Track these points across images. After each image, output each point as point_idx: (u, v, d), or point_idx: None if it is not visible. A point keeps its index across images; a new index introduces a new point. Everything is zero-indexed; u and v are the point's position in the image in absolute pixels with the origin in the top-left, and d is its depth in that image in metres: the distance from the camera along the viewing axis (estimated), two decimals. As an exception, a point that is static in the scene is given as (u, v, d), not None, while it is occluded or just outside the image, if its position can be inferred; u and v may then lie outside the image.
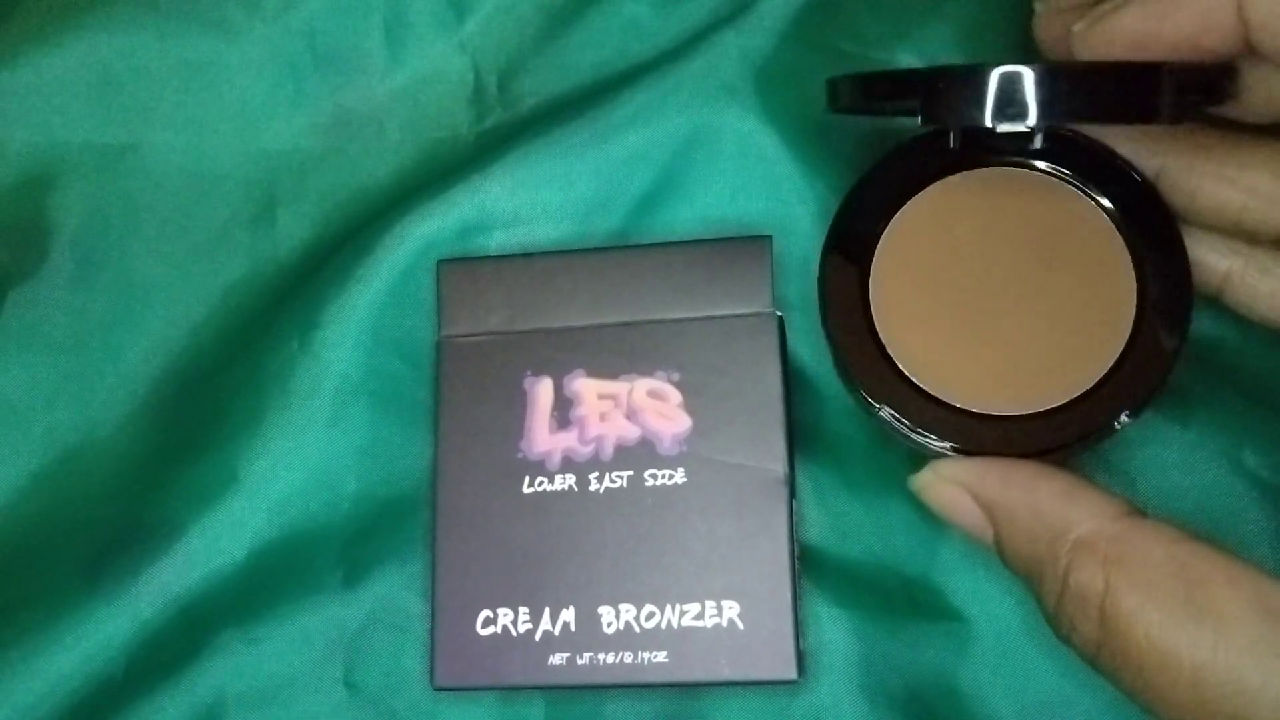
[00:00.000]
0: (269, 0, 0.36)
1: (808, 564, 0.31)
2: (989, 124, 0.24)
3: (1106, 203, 0.27)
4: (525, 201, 0.34)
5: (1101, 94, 0.24)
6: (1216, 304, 0.28)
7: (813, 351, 0.32)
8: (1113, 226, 0.27)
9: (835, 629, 0.31)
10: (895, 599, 0.31)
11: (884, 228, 0.28)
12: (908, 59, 0.34)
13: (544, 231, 0.34)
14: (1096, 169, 0.27)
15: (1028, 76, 0.23)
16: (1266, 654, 0.21)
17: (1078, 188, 0.27)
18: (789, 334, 0.31)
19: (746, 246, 0.31)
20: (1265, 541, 0.30)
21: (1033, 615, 0.30)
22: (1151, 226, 0.27)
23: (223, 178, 0.36)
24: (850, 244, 0.28)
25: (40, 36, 0.36)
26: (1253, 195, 0.26)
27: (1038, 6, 0.28)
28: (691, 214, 0.34)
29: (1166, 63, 0.24)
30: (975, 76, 0.24)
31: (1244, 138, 0.27)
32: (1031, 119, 0.23)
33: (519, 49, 0.36)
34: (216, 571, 0.32)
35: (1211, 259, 0.28)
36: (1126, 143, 0.28)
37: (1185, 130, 0.27)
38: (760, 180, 0.33)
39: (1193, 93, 0.24)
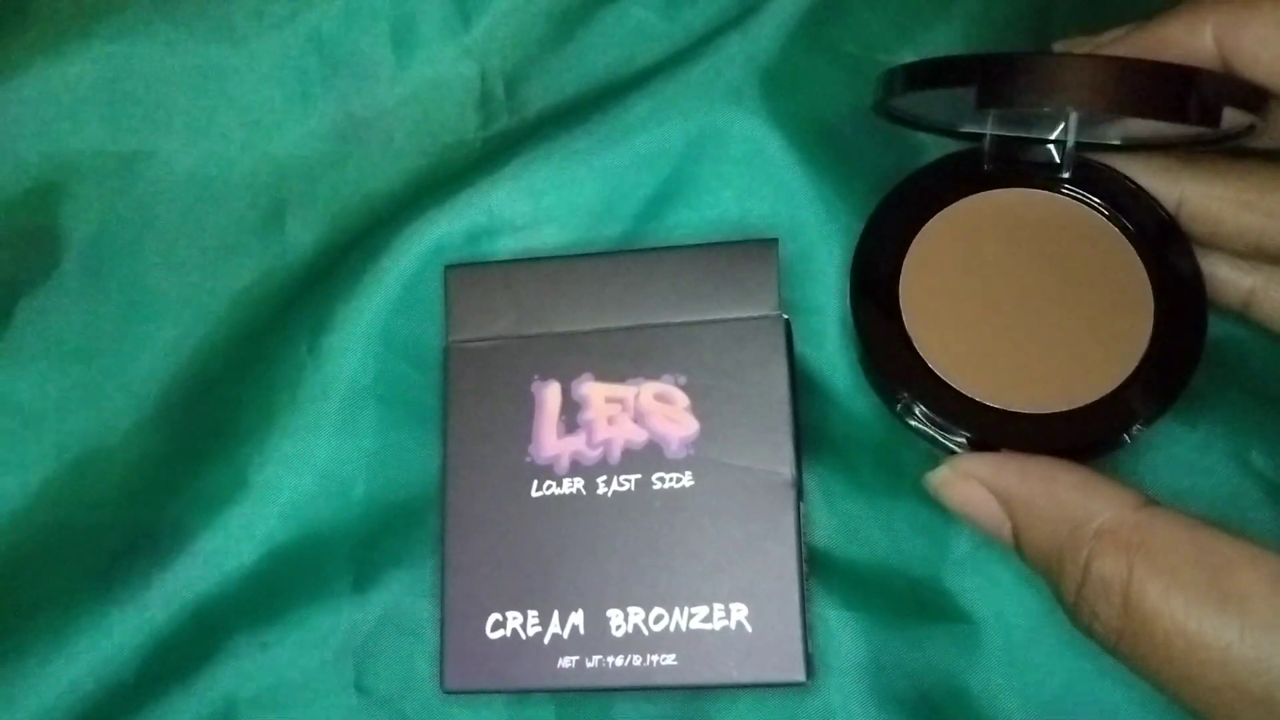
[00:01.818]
0: (277, 7, 0.36)
1: (816, 566, 0.31)
2: (1038, 107, 0.25)
3: (1128, 227, 0.28)
4: (532, 206, 0.34)
5: (1133, 86, 0.24)
6: (1242, 318, 0.29)
7: (820, 354, 0.32)
8: (1133, 249, 0.28)
9: (844, 631, 0.31)
10: (903, 601, 0.31)
11: (915, 233, 0.29)
12: (913, 58, 0.34)
13: (551, 236, 0.34)
14: (1119, 196, 0.28)
15: (1068, 64, 0.25)
16: None
17: (1101, 212, 0.29)
18: (796, 337, 0.31)
19: (753, 249, 0.31)
20: (1273, 541, 0.30)
21: (1041, 616, 0.30)
22: (1169, 252, 0.28)
23: (232, 184, 0.36)
24: (883, 243, 0.29)
25: (51, 45, 0.36)
26: (1272, 218, 0.27)
27: (1056, 48, 0.29)
28: (698, 218, 0.34)
29: (1201, 68, 0.25)
30: (1027, 62, 0.25)
31: (1261, 164, 0.28)
32: (1069, 105, 0.25)
33: (526, 54, 0.36)
34: (227, 576, 0.32)
35: (1234, 276, 0.28)
36: (1147, 173, 0.29)
37: (1205, 159, 0.28)
38: (767, 183, 0.34)
39: (1226, 101, 0.25)
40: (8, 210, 0.36)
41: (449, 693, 0.29)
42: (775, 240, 0.31)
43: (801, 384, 0.31)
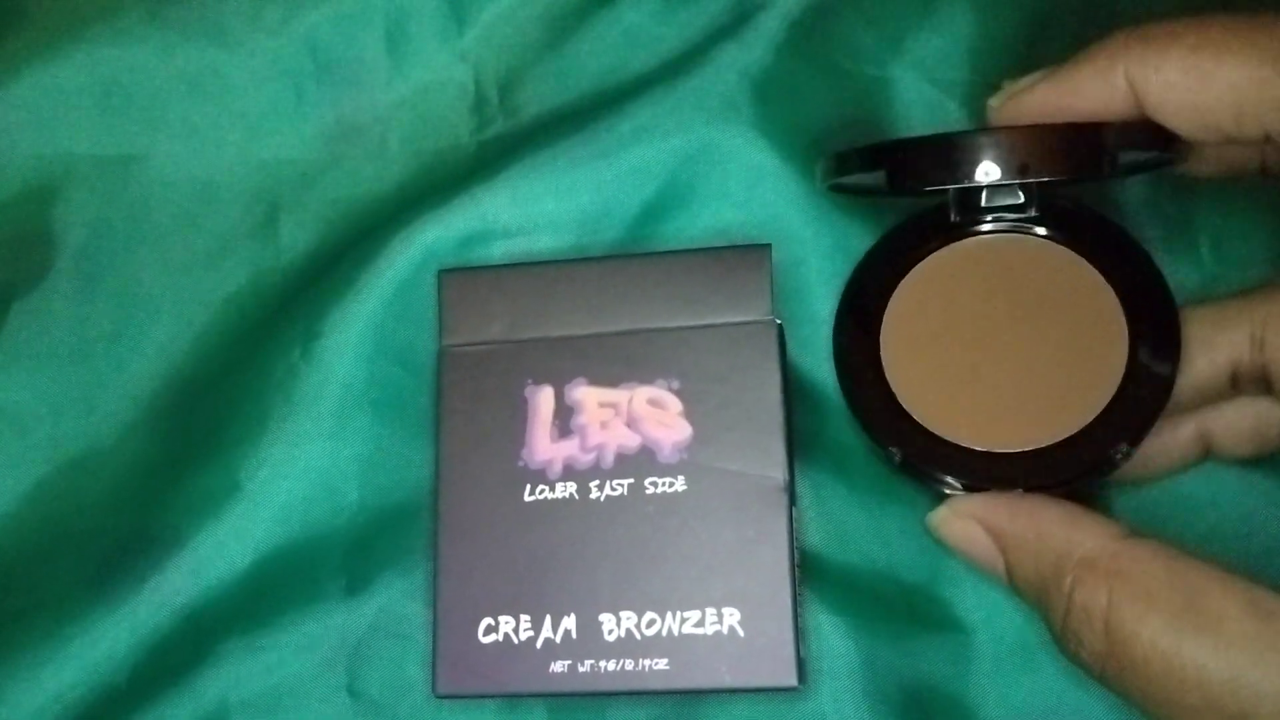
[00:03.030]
0: (271, 12, 0.36)
1: (808, 571, 0.31)
2: (958, 184, 0.27)
3: (1098, 259, 0.29)
4: (526, 211, 0.34)
5: (1047, 152, 0.27)
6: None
7: (813, 360, 0.32)
8: (1104, 280, 0.29)
9: (835, 636, 0.31)
10: (895, 607, 0.31)
11: (892, 290, 0.30)
12: (903, 72, 0.34)
13: (545, 241, 0.34)
14: (1086, 229, 0.29)
15: (978, 140, 0.27)
16: (1264, 650, 0.22)
17: (1069, 248, 0.29)
18: (789, 344, 0.31)
19: (746, 254, 0.31)
20: None
21: (1032, 624, 0.30)
22: (1139, 278, 0.29)
23: (225, 188, 0.36)
24: (861, 306, 0.30)
25: (45, 49, 0.36)
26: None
27: (993, 100, 0.29)
28: (692, 225, 0.34)
29: (1108, 122, 0.26)
30: (938, 144, 0.28)
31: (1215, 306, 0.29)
32: (988, 177, 0.27)
33: (520, 59, 0.36)
34: (220, 580, 0.32)
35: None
36: None
37: None
38: (760, 193, 0.34)
39: (1138, 148, 0.27)
40: (1, 213, 0.36)
41: (441, 697, 0.29)
42: (768, 246, 0.31)
43: (794, 390, 0.32)
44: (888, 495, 0.32)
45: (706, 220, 0.34)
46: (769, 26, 0.34)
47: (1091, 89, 0.27)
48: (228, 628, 0.32)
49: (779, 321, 0.30)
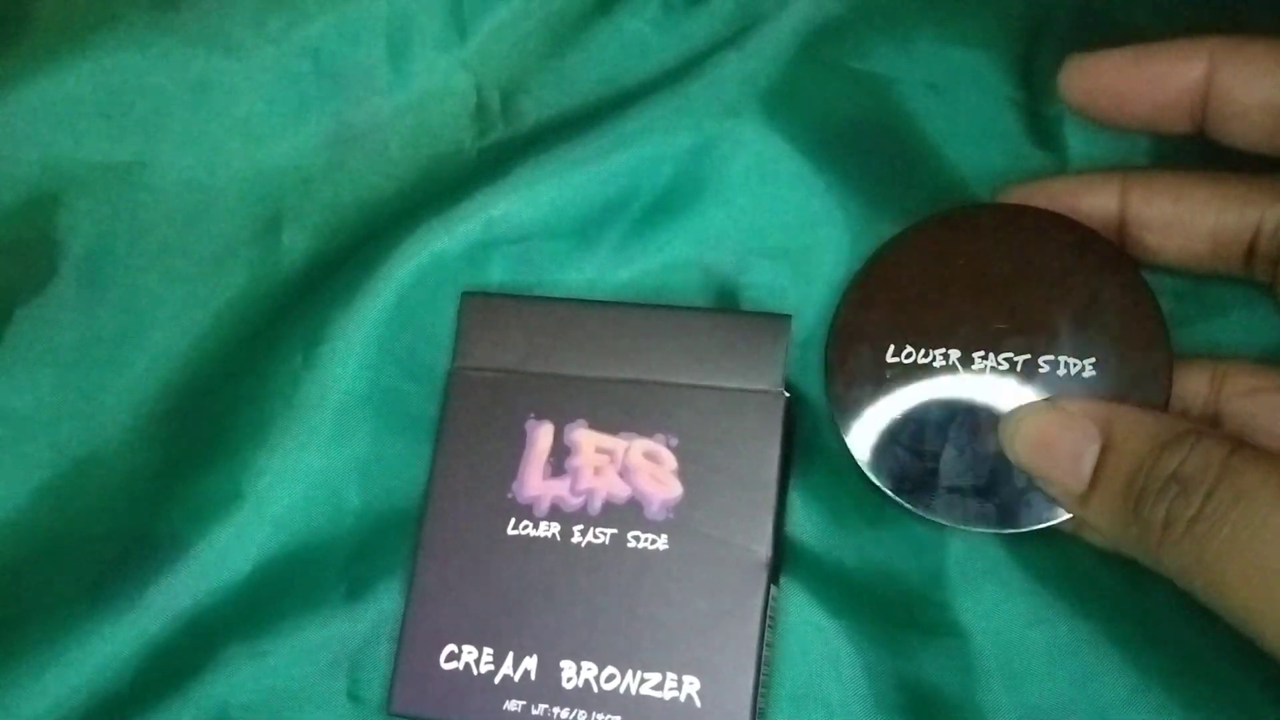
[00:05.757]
0: (274, 20, 0.36)
1: (807, 572, 0.31)
2: None
3: None
4: (529, 217, 0.34)
5: None
6: None
7: (816, 368, 0.32)
8: None
9: (835, 640, 0.30)
10: (896, 611, 0.30)
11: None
12: (905, 76, 0.34)
13: (547, 248, 0.34)
14: None
15: None
16: None
17: None
18: (788, 350, 0.31)
19: (765, 323, 0.30)
20: None
21: (1032, 627, 0.30)
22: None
23: (228, 194, 0.36)
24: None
25: (49, 56, 0.37)
26: None
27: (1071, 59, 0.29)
28: (693, 232, 0.34)
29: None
30: None
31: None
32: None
33: (521, 66, 0.36)
34: (222, 586, 0.32)
35: None
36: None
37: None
38: (763, 198, 0.34)
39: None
40: (5, 220, 0.36)
41: (393, 715, 0.29)
42: (789, 317, 0.30)
43: (794, 396, 0.31)
44: (887, 498, 0.31)
45: (708, 225, 0.34)
46: (771, 32, 0.34)
47: (1169, 58, 0.27)
48: (229, 633, 0.32)
49: (788, 395, 0.30)
